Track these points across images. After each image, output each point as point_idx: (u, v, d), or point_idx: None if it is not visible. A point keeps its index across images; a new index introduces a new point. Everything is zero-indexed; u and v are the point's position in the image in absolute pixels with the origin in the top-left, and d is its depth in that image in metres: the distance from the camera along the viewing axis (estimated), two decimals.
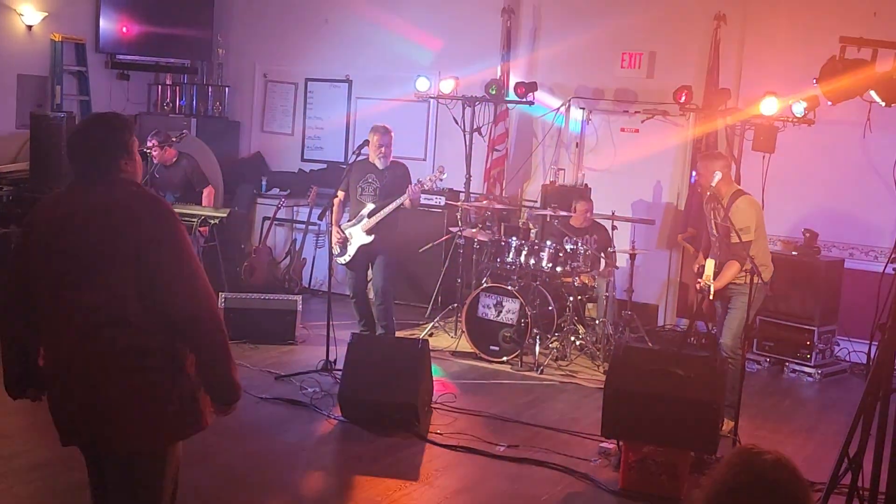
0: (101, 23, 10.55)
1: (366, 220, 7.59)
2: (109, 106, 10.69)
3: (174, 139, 8.81)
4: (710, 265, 6.18)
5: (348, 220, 7.75)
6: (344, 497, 5.26)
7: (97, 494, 3.42)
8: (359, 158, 7.69)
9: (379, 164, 7.64)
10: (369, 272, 7.84)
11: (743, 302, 6.12)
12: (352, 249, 7.68)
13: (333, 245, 7.74)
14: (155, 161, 8.75)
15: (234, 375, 3.29)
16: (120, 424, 3.17)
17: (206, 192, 8.92)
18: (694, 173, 6.44)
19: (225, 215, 8.52)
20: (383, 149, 7.61)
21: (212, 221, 8.43)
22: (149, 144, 8.71)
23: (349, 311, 8.01)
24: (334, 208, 7.74)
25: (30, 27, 9.97)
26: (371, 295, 7.87)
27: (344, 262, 7.80)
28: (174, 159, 8.88)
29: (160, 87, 11.48)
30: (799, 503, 2.22)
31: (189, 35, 11.40)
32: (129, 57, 11.02)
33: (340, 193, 7.78)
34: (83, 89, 10.50)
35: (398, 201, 7.53)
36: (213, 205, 8.94)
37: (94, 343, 3.14)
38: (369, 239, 7.60)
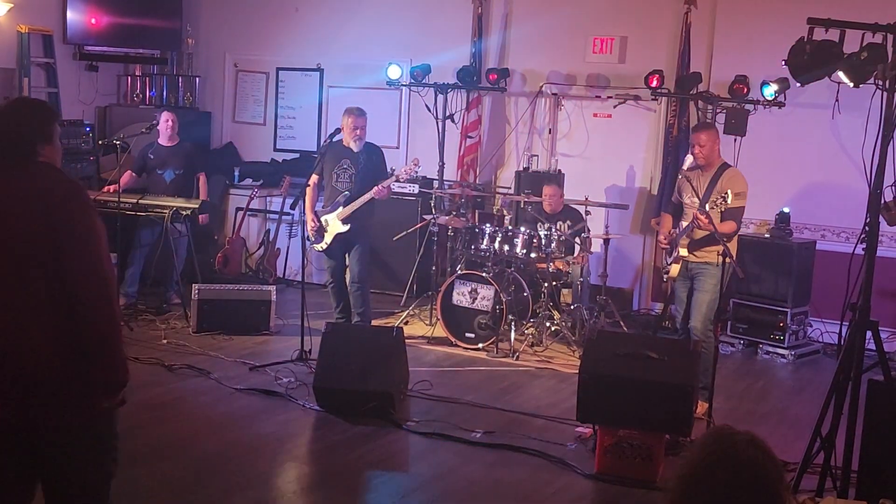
0: (69, 14, 10.42)
1: (341, 208, 7.56)
2: (79, 98, 10.61)
3: (153, 123, 8.81)
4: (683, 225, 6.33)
5: (323, 206, 7.73)
6: (320, 486, 5.25)
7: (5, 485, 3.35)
8: (333, 141, 7.64)
9: (354, 147, 7.61)
10: (347, 258, 7.83)
11: (713, 284, 6.16)
12: (328, 237, 7.66)
13: (308, 232, 7.71)
14: (164, 136, 8.79)
15: (117, 368, 3.25)
16: (45, 402, 3.17)
17: (202, 177, 8.92)
18: (697, 146, 6.35)
19: (197, 206, 8.46)
20: (358, 131, 7.58)
21: (184, 213, 8.36)
22: (164, 116, 8.78)
23: (324, 301, 7.99)
24: (308, 194, 7.71)
25: None
26: (348, 281, 7.86)
27: (320, 249, 7.79)
28: (177, 141, 8.89)
29: (130, 78, 11.37)
30: (772, 482, 2.23)
31: (158, 25, 11.30)
32: (97, 48, 10.90)
33: (314, 178, 7.74)
34: (51, 81, 10.37)
35: (368, 195, 7.50)
36: (205, 190, 8.94)
37: (19, 321, 3.16)
38: (345, 228, 7.58)
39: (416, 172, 8.11)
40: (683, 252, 6.30)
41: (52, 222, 3.15)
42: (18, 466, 3.29)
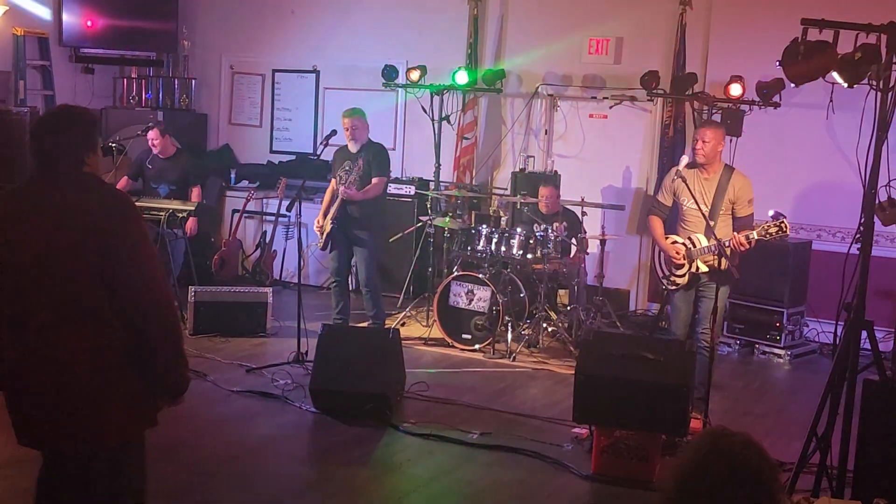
0: (65, 16, 10.43)
1: (332, 207, 7.64)
2: (74, 100, 10.59)
3: (149, 125, 8.75)
4: (703, 239, 6.11)
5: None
6: (317, 488, 5.24)
7: (42, 494, 3.36)
8: (342, 146, 7.72)
9: (352, 148, 7.65)
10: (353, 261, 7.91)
11: (721, 291, 6.04)
12: (323, 237, 7.73)
13: (315, 232, 7.87)
14: (155, 151, 8.68)
15: (182, 370, 3.31)
16: (79, 423, 3.15)
17: (196, 190, 8.81)
18: (700, 142, 6.15)
19: (193, 209, 8.46)
20: (348, 131, 7.62)
21: (180, 215, 8.36)
22: (149, 135, 8.65)
23: (320, 303, 7.98)
24: (325, 197, 7.84)
25: None
26: (361, 285, 7.93)
27: (321, 249, 7.96)
28: (173, 153, 8.80)
29: (126, 80, 11.37)
30: (767, 484, 2.24)
31: (154, 28, 11.30)
32: (93, 50, 10.91)
33: (332, 182, 7.82)
34: (47, 84, 10.38)
35: (338, 201, 7.57)
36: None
37: (56, 339, 3.12)
38: (329, 227, 7.65)
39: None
40: (704, 269, 6.11)
41: (100, 235, 3.11)
42: (51, 483, 3.32)
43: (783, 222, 5.85)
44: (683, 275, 6.21)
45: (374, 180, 7.61)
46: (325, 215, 7.73)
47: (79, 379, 3.13)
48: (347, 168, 7.63)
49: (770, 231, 5.88)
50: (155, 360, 3.22)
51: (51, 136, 3.23)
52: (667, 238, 6.30)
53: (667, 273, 6.30)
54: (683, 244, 6.20)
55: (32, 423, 3.22)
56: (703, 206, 6.04)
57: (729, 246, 5.96)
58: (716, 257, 5.91)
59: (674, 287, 6.29)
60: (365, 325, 7.95)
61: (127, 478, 3.32)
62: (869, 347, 4.62)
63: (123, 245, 3.14)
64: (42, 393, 3.15)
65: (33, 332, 3.14)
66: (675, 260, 6.23)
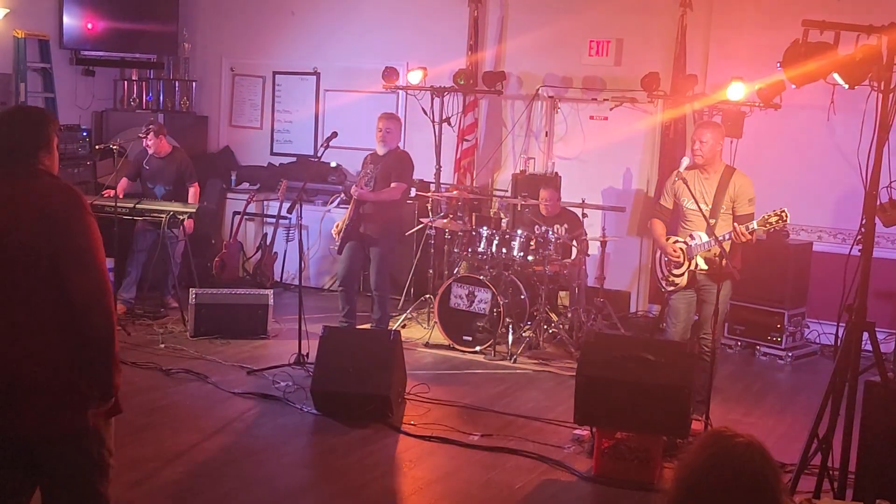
0: (65, 18, 10.42)
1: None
2: (75, 103, 10.61)
3: (150, 127, 8.75)
4: (703, 236, 6.07)
5: None
6: (318, 490, 5.25)
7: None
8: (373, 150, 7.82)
9: (379, 150, 7.67)
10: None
11: (723, 293, 6.03)
12: (338, 240, 7.76)
13: (334, 235, 7.88)
14: (150, 151, 8.69)
15: (112, 373, 3.28)
16: (42, 411, 3.18)
17: (193, 189, 8.83)
18: (698, 142, 6.10)
19: (194, 210, 8.46)
20: (381, 133, 7.63)
21: (181, 217, 8.37)
22: (143, 133, 8.65)
23: (321, 305, 7.98)
24: (352, 203, 7.85)
25: None
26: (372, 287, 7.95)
27: (338, 253, 7.95)
28: (169, 152, 8.80)
29: (126, 82, 11.37)
30: (770, 485, 2.24)
31: (154, 30, 11.29)
32: (94, 53, 10.90)
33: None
34: (48, 86, 10.37)
35: (353, 201, 7.59)
36: (196, 201, 8.88)
37: (16, 329, 3.18)
38: (344, 230, 7.64)
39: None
40: (704, 266, 6.08)
41: (51, 231, 3.17)
42: (15, 476, 3.29)
43: (783, 212, 5.79)
44: (682, 274, 6.18)
45: (392, 185, 7.59)
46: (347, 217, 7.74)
47: (36, 366, 3.18)
48: (368, 170, 7.64)
49: (770, 221, 5.83)
50: (90, 358, 3.24)
51: (4, 134, 3.33)
52: (668, 239, 6.29)
53: (665, 273, 6.28)
54: (684, 242, 6.19)
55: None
56: (703, 206, 6.00)
57: (729, 238, 5.92)
58: (717, 256, 5.87)
59: (672, 288, 6.27)
60: (367, 326, 7.95)
61: (104, 459, 3.33)
62: (870, 349, 4.62)
63: (72, 236, 3.19)
64: (5, 385, 3.18)
65: None
66: (673, 259, 6.20)
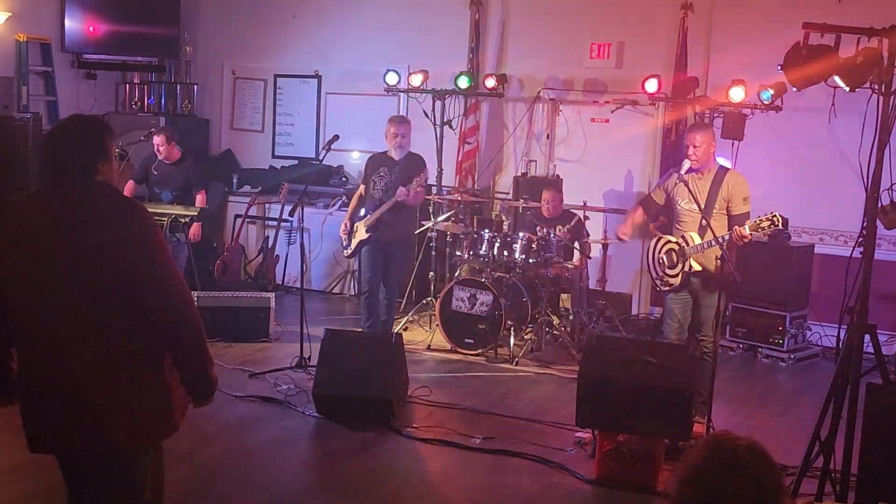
0: (67, 22, 10.45)
1: (368, 215, 7.55)
2: (77, 106, 10.61)
3: (152, 131, 8.75)
4: (696, 237, 6.06)
5: (361, 215, 7.71)
6: (320, 493, 5.24)
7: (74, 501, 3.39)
8: (379, 151, 7.69)
9: (395, 155, 7.57)
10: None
11: (717, 296, 6.05)
12: (354, 242, 7.66)
13: (341, 235, 7.81)
14: (160, 157, 8.69)
15: (210, 371, 3.35)
16: (100, 430, 3.16)
17: (200, 196, 8.81)
18: (691, 147, 6.08)
19: (195, 214, 8.47)
20: (398, 138, 7.53)
21: (182, 220, 8.37)
22: (155, 140, 8.66)
23: (323, 307, 7.97)
24: (352, 202, 7.81)
25: None
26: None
27: (346, 255, 7.88)
28: (178, 158, 8.81)
29: (128, 86, 11.40)
30: (772, 489, 2.24)
31: (156, 33, 11.31)
32: (95, 56, 10.92)
33: (361, 187, 7.80)
34: (50, 90, 10.40)
35: (391, 202, 7.43)
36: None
37: (74, 348, 3.12)
38: (365, 235, 7.54)
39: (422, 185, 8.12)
40: (697, 267, 6.06)
41: (115, 244, 3.12)
42: (70, 488, 3.33)
43: (775, 215, 5.72)
44: (676, 274, 6.17)
45: (417, 189, 7.55)
46: (351, 220, 7.69)
47: (97, 387, 3.14)
48: (383, 174, 7.55)
49: (762, 225, 5.76)
50: (185, 365, 3.28)
51: (62, 145, 3.24)
52: (661, 239, 6.29)
53: (660, 274, 6.28)
54: (677, 243, 6.18)
55: (48, 429, 3.22)
56: (696, 205, 6.01)
57: (729, 239, 5.89)
58: (717, 258, 5.85)
59: (667, 288, 6.26)
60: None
61: (145, 485, 3.31)
62: (872, 351, 4.62)
63: (141, 254, 3.15)
64: (60, 401, 3.16)
65: (49, 341, 3.14)
66: (619, 235, 6.39)
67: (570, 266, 8.20)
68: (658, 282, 6.33)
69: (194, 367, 3.30)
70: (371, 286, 7.67)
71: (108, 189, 3.25)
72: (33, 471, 4.94)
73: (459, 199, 8.91)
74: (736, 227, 5.89)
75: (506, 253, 7.98)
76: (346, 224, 7.73)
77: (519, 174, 9.79)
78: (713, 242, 5.88)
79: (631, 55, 9.47)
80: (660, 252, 6.25)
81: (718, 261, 5.81)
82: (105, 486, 3.27)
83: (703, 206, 6.01)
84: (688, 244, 6.07)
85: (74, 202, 3.17)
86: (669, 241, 6.22)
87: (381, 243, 7.58)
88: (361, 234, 7.59)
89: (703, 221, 5.97)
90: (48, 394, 3.17)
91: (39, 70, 10.29)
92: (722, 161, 6.64)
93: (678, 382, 5.29)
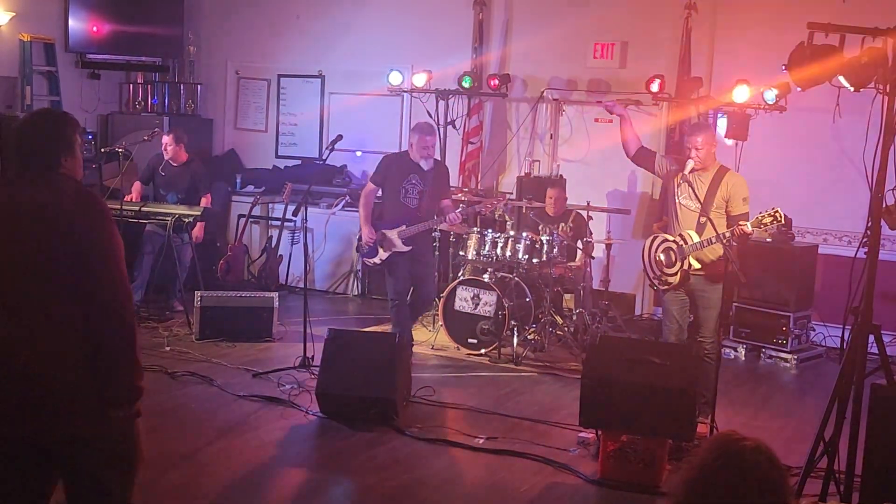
0: (71, 22, 10.45)
1: (404, 226, 7.38)
2: (81, 106, 10.62)
3: (155, 131, 8.76)
4: (694, 236, 6.04)
5: (380, 220, 7.53)
6: (323, 492, 5.25)
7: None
8: (396, 153, 7.65)
9: (424, 165, 7.42)
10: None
11: (717, 298, 6.04)
12: (384, 254, 7.47)
13: (364, 242, 7.58)
14: (167, 157, 8.71)
15: (136, 375, 3.28)
16: (64, 414, 3.18)
17: (205, 199, 8.82)
18: (693, 150, 6.06)
19: (199, 213, 8.47)
20: (429, 150, 7.42)
21: (186, 220, 8.38)
22: (164, 139, 8.67)
23: (326, 307, 7.95)
24: (362, 202, 7.58)
25: None
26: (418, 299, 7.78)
27: (371, 263, 7.65)
28: (185, 160, 8.81)
29: (131, 85, 11.40)
30: (777, 489, 2.24)
31: (160, 33, 11.30)
32: (99, 56, 10.92)
33: (371, 186, 7.58)
34: (53, 89, 10.39)
35: (440, 222, 7.48)
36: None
37: (34, 333, 3.17)
38: (405, 248, 7.42)
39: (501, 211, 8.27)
40: (697, 265, 6.05)
41: (72, 235, 3.17)
42: (33, 477, 3.30)
43: (777, 211, 5.72)
44: (675, 273, 6.14)
45: (447, 202, 7.54)
46: (374, 226, 7.47)
47: (58, 372, 3.17)
48: (415, 182, 7.41)
49: (764, 221, 5.76)
50: (109, 361, 3.23)
51: (27, 137, 3.33)
52: (657, 237, 6.28)
53: (657, 273, 6.25)
54: (675, 241, 6.17)
55: (13, 418, 3.22)
56: (695, 203, 6.01)
57: (731, 235, 5.86)
58: (719, 258, 5.85)
59: (665, 287, 6.24)
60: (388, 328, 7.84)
61: (116, 465, 3.33)
62: (876, 351, 4.61)
63: (94, 243, 3.19)
64: (22, 388, 3.18)
65: (12, 326, 3.18)
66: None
67: (573, 266, 8.20)
68: (656, 281, 6.30)
69: (118, 363, 3.24)
70: (401, 296, 7.57)
71: (70, 181, 3.32)
72: None
73: (463, 199, 8.89)
74: (739, 224, 5.88)
75: (509, 253, 7.97)
76: (371, 231, 7.46)
77: (522, 174, 9.79)
78: (713, 240, 5.87)
79: (634, 55, 9.47)
80: (656, 251, 6.23)
81: (722, 261, 5.81)
82: (86, 472, 3.28)
83: (701, 204, 6.01)
84: (686, 242, 6.07)
85: (35, 193, 3.24)
86: (666, 240, 6.20)
87: (410, 253, 7.50)
88: (399, 245, 7.40)
89: (702, 219, 5.97)
90: (8, 382, 3.19)
91: (43, 70, 10.29)
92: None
93: (682, 383, 5.28)
